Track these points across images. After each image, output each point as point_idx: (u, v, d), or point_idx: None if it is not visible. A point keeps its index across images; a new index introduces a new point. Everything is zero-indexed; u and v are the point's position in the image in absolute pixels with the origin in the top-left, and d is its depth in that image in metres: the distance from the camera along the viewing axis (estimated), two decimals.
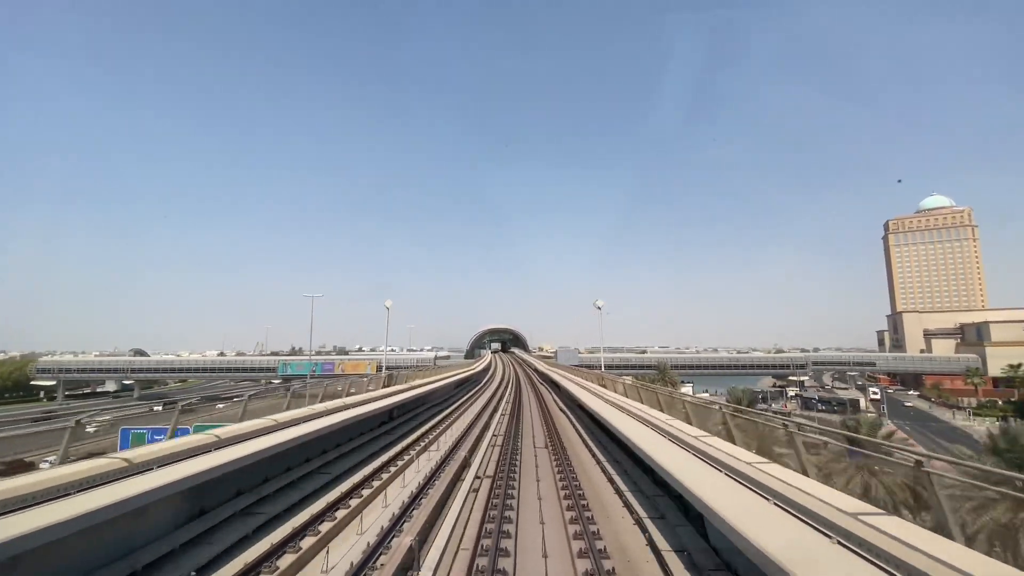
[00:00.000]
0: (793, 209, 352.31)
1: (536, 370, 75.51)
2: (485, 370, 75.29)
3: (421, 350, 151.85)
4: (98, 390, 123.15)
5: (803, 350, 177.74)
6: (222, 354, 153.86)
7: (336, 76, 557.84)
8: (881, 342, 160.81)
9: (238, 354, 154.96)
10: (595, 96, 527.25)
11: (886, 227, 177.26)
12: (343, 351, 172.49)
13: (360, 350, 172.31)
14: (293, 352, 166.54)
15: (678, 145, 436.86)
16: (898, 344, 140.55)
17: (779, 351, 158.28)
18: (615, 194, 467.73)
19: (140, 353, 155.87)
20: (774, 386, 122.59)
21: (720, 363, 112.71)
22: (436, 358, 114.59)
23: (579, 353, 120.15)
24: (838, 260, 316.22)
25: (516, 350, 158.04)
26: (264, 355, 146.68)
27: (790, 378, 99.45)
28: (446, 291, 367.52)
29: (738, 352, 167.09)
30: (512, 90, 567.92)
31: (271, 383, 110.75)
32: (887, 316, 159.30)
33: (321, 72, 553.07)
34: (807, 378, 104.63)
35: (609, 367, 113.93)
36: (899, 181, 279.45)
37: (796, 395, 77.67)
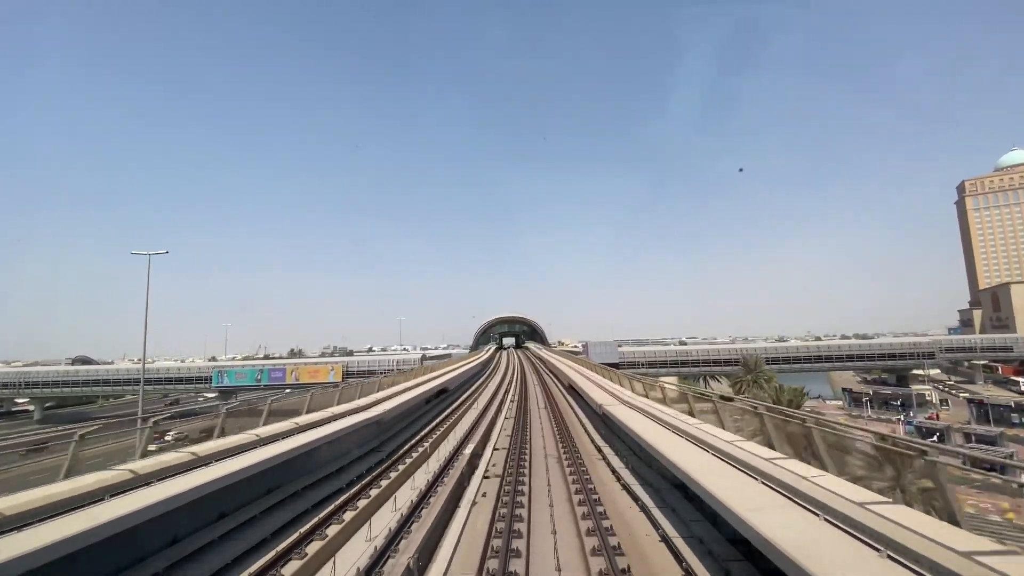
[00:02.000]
0: (816, 196, 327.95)
1: (573, 387, 29.34)
2: (445, 391, 32.09)
3: (436, 348, 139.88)
4: (13, 410, 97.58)
5: (844, 336, 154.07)
6: (214, 358, 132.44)
7: (342, 73, 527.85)
8: (965, 323, 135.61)
9: (250, 357, 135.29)
10: (617, 90, 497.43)
11: (960, 189, 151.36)
12: (347, 351, 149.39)
13: (371, 350, 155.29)
14: (293, 354, 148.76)
15: (696, 144, 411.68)
16: (1001, 322, 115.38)
17: (816, 339, 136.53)
18: (632, 188, 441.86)
19: (84, 361, 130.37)
20: (865, 381, 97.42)
21: (810, 354, 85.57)
22: (424, 358, 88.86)
23: (618, 348, 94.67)
24: (878, 243, 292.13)
25: (532, 344, 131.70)
26: (267, 358, 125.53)
27: (914, 372, 73.91)
28: (458, 287, 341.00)
29: (778, 340, 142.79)
30: (524, 86, 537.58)
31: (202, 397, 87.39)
32: (983, 291, 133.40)
33: (327, 69, 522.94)
34: (937, 371, 79.11)
35: (642, 365, 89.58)
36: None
37: (971, 400, 51.76)
